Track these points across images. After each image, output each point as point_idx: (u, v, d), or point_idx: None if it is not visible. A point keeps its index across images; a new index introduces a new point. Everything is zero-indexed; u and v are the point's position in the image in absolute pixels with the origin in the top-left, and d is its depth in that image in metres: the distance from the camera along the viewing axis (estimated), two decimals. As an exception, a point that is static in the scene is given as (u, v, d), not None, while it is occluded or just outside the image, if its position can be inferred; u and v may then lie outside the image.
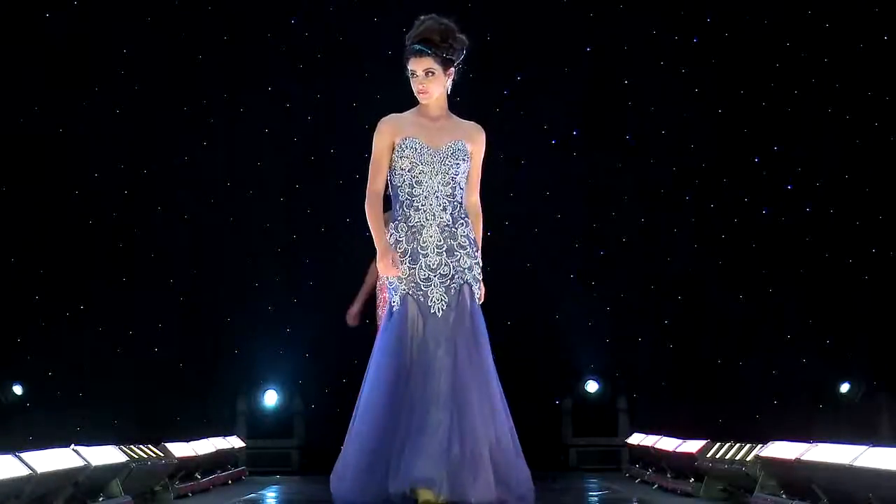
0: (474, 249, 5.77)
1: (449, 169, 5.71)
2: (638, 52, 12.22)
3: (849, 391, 11.89)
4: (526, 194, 12.11)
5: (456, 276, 5.67)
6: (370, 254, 6.03)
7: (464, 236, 5.74)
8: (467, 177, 5.80)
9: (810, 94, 12.13)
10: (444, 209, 5.72)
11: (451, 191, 5.73)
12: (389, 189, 5.77)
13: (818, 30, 12.11)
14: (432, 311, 5.61)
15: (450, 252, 5.70)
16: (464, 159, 5.74)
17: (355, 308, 9.13)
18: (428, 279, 5.66)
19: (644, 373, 12.09)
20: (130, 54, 11.95)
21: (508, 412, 5.59)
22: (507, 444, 5.51)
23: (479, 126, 5.85)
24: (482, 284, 5.77)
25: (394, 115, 5.79)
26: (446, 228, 5.71)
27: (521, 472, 5.52)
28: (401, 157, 5.69)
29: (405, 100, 5.75)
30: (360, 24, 11.96)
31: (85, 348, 11.74)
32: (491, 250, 6.26)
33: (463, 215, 5.77)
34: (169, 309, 11.91)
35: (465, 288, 5.66)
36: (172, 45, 11.94)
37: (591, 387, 11.96)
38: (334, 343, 11.55)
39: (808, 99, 12.14)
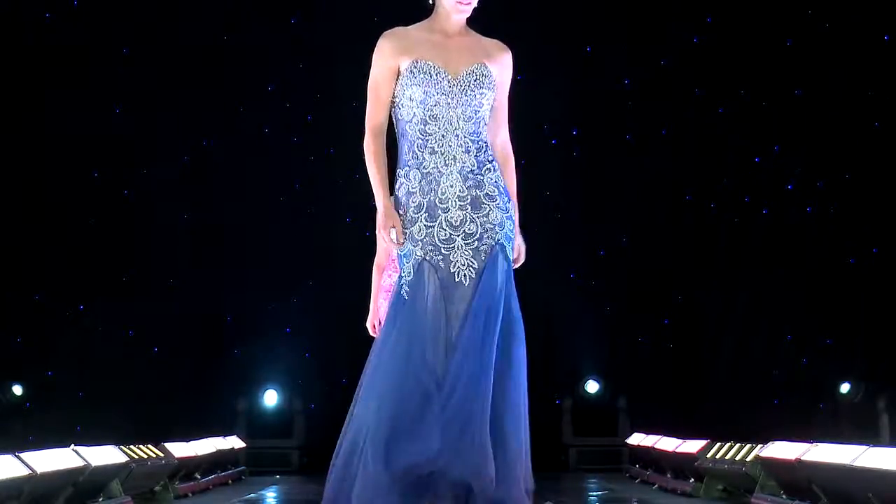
0: (506, 200, 4.65)
1: (471, 100, 4.60)
2: (638, 52, 12.22)
3: (849, 391, 11.89)
4: (526, 194, 12.08)
5: (485, 236, 4.50)
6: (372, 253, 5.21)
7: (492, 184, 4.62)
8: (493, 110, 4.70)
9: (810, 93, 12.13)
10: (467, 151, 4.59)
11: (474, 128, 4.62)
12: (395, 126, 4.64)
13: (818, 29, 12.11)
14: (457, 280, 4.44)
15: (475, 205, 4.54)
16: (489, 87, 4.66)
17: (373, 319, 7.88)
18: (450, 239, 4.48)
19: (644, 373, 12.09)
20: (130, 54, 11.95)
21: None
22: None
23: (504, 45, 4.79)
24: (521, 242, 4.66)
25: (399, 28, 4.71)
26: (470, 176, 4.57)
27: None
28: (411, 85, 4.54)
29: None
30: (361, 23, 11.94)
31: (85, 348, 11.73)
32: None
33: (490, 158, 4.66)
34: (169, 309, 11.91)
35: (498, 250, 4.51)
36: (172, 45, 11.94)
37: (591, 387, 11.96)
38: (334, 343, 11.56)
39: (808, 99, 12.14)
